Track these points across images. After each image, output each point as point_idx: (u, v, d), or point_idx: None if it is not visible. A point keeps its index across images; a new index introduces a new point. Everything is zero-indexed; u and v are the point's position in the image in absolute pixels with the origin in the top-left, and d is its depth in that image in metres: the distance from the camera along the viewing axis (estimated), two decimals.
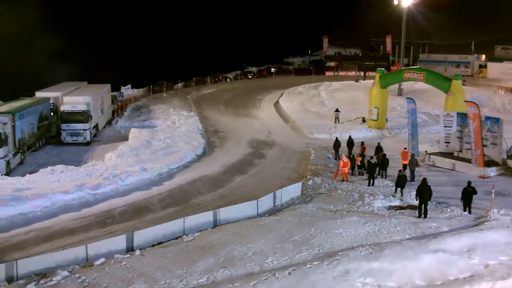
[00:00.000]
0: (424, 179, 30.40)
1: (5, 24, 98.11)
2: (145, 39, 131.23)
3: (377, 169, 39.01)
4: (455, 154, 42.63)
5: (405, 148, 42.17)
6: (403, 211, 31.10)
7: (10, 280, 21.74)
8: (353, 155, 42.18)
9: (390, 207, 31.82)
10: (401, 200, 33.30)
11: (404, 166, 39.75)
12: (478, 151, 39.39)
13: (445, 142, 44.32)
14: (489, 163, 39.88)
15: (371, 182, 36.98)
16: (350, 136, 47.91)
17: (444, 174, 40.18)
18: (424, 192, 29.61)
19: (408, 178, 36.43)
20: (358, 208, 31.32)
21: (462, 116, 42.99)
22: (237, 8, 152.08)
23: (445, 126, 44.34)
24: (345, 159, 38.94)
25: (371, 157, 39.57)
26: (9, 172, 40.87)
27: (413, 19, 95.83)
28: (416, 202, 30.33)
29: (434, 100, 63.32)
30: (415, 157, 39.85)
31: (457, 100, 47.91)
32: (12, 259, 23.43)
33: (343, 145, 46.19)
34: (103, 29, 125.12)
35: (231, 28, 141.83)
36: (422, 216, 29.42)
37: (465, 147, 42.41)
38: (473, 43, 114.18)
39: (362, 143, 44.39)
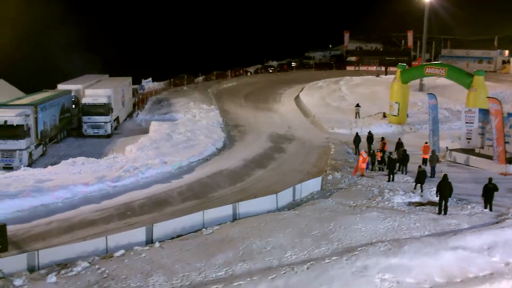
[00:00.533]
0: (445, 176, 30.14)
1: (29, 16, 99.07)
2: (166, 33, 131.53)
3: (397, 164, 38.91)
4: (477, 150, 42.30)
5: (426, 142, 42.05)
6: (423, 207, 30.93)
7: (31, 269, 21.95)
8: (373, 151, 42.01)
9: (410, 203, 31.67)
10: (421, 196, 33.10)
11: (425, 160, 39.63)
12: (500, 148, 39.04)
13: (467, 139, 43.96)
14: (511, 160, 39.46)
15: (391, 178, 36.82)
16: (369, 131, 47.70)
17: (465, 171, 39.85)
18: (445, 189, 29.41)
19: (428, 174, 36.22)
20: (377, 204, 31.22)
21: (484, 112, 42.59)
22: (259, 2, 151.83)
23: (466, 122, 43.97)
24: (364, 154, 38.86)
25: (391, 153, 39.40)
26: (31, 164, 41.26)
27: (436, 13, 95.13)
28: (436, 199, 30.15)
29: (456, 96, 62.91)
30: (436, 153, 39.59)
31: (479, 96, 47.54)
32: (33, 249, 23.68)
33: (363, 140, 46.03)
34: (125, 22, 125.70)
35: (253, 21, 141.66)
36: (442, 212, 29.25)
37: (487, 143, 41.98)
38: (496, 38, 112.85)
39: (383, 138, 44.19)
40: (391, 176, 36.92)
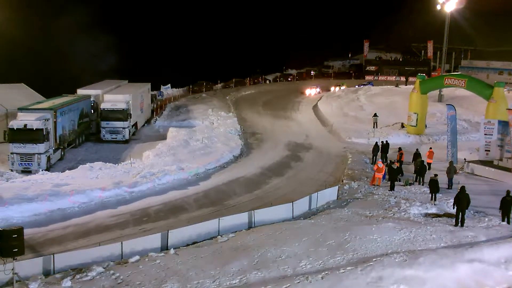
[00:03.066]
0: (463, 187, 29.86)
1: (51, 22, 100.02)
2: (186, 39, 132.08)
3: (414, 175, 38.98)
4: (495, 162, 41.99)
5: (430, 148, 44.28)
6: (440, 218, 30.70)
7: (47, 273, 22.06)
8: (391, 161, 41.87)
9: (426, 214, 31.44)
10: (434, 205, 32.91)
11: (429, 165, 41.39)
12: None
13: (485, 150, 43.67)
14: None
15: (392, 187, 36.90)
16: (385, 141, 47.52)
17: (483, 183, 39.56)
18: (462, 201, 29.17)
19: (445, 186, 36.01)
20: (394, 214, 31.04)
21: (504, 124, 42.31)
22: (279, 11, 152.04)
23: (485, 134, 43.68)
24: (380, 164, 38.75)
25: (392, 162, 39.36)
26: (49, 168, 41.60)
27: (456, 24, 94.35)
28: (453, 210, 29.91)
29: (475, 107, 62.51)
30: (454, 165, 39.34)
31: (498, 108, 47.22)
32: (49, 253, 23.76)
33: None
34: (145, 29, 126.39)
35: (273, 30, 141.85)
36: (459, 224, 29.02)
37: (506, 155, 41.70)
38: None
39: (400, 148, 44.06)
40: (392, 184, 36.98)
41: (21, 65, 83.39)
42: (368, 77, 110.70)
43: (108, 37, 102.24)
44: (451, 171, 38.07)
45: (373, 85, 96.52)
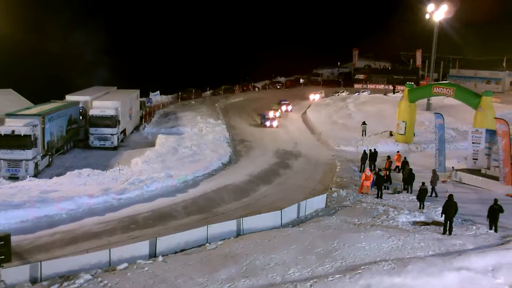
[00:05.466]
0: (451, 196, 30.02)
1: (39, 27, 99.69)
2: (175, 46, 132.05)
3: (402, 184, 39.18)
4: (483, 171, 42.24)
5: (398, 152, 47.38)
6: (428, 227, 30.81)
7: (34, 281, 21.95)
8: (379, 169, 42.02)
9: (414, 223, 31.55)
10: (422, 212, 33.03)
11: (398, 168, 43.75)
12: (506, 169, 39.02)
13: (473, 159, 43.93)
14: None
15: (380, 194, 37.06)
16: (373, 149, 47.76)
17: (470, 191, 39.73)
18: (450, 209, 29.31)
19: (428, 194, 36.16)
20: (382, 222, 31.13)
21: (491, 133, 42.57)
22: (268, 18, 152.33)
23: (473, 143, 43.95)
24: (368, 172, 38.91)
25: (379, 169, 39.56)
26: (37, 174, 41.40)
27: (445, 33, 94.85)
28: (441, 218, 30.05)
29: (463, 116, 62.83)
30: (437, 173, 39.42)
31: (486, 117, 47.46)
32: (36, 260, 23.64)
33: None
34: (134, 35, 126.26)
35: (261, 37, 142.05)
36: (447, 232, 29.12)
37: (493, 164, 41.92)
38: (505, 59, 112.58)
39: (388, 157, 44.29)
40: (379, 192, 37.08)
41: (9, 70, 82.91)
42: (357, 86, 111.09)
43: (97, 43, 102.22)
44: (435, 179, 38.14)
45: (370, 93, 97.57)
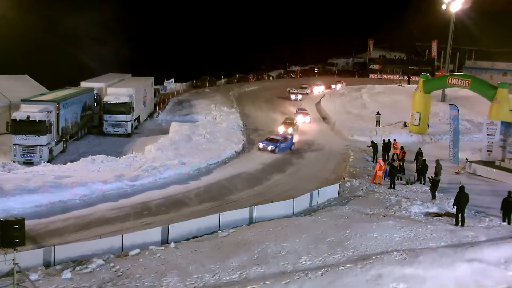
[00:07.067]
0: (462, 187, 29.85)
1: (55, 14, 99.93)
2: (191, 35, 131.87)
3: (416, 174, 38.97)
4: (497, 163, 42.00)
5: (394, 140, 47.16)
6: (440, 218, 30.69)
7: (47, 264, 22.08)
8: (393, 159, 41.89)
9: (427, 213, 31.42)
10: (436, 204, 32.90)
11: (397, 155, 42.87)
12: None
13: (487, 151, 43.69)
14: None
15: (393, 185, 37.02)
16: (386, 139, 47.57)
17: (484, 183, 39.58)
18: (462, 200, 29.19)
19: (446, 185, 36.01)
20: (394, 213, 31.05)
21: (506, 125, 42.36)
22: (285, 7, 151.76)
23: (488, 135, 43.70)
24: (381, 162, 38.82)
25: (393, 160, 39.37)
26: (51, 160, 41.64)
27: (461, 24, 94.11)
28: (454, 210, 29.93)
29: (478, 107, 62.40)
30: (440, 163, 38.70)
31: (501, 109, 47.15)
32: (50, 244, 23.78)
33: (380, 148, 46.01)
34: (150, 23, 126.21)
35: (277, 27, 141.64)
36: (460, 224, 29.02)
37: (508, 156, 41.68)
38: None
39: (402, 147, 44.05)
40: (393, 183, 37.04)
41: (24, 56, 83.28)
42: (371, 76, 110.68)
43: (113, 31, 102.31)
44: (439, 169, 37.60)
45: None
